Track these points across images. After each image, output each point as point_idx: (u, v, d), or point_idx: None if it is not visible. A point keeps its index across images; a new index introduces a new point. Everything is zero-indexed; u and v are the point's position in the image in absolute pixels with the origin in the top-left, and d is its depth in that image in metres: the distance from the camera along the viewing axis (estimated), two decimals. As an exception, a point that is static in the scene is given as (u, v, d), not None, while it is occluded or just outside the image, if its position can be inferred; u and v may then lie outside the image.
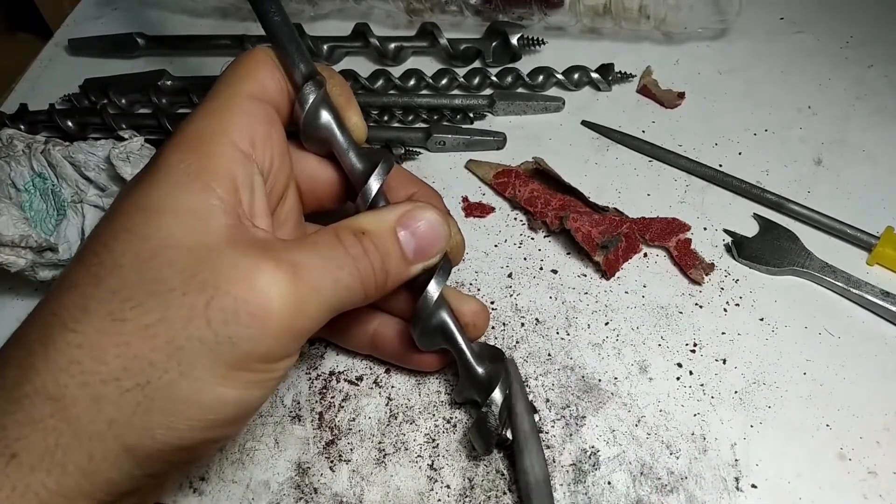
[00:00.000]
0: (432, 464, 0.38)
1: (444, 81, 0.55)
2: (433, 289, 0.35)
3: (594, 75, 0.55)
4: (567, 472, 0.37)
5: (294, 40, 0.33)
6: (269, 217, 0.31)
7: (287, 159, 0.33)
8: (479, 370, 0.37)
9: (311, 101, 0.33)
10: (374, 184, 0.33)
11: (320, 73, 0.33)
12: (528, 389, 0.40)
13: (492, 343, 0.42)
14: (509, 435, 0.36)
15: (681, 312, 0.43)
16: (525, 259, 0.46)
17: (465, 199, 0.49)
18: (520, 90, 0.56)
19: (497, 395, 0.35)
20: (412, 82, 0.55)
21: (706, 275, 0.44)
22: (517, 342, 0.42)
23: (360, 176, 0.34)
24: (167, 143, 0.29)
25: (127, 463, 0.26)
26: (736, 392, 0.39)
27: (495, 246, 0.47)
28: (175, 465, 0.28)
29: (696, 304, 0.43)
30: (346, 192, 0.36)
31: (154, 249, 0.26)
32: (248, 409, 0.29)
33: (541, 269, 0.45)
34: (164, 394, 0.25)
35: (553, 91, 0.56)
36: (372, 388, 0.41)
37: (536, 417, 0.37)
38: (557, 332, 0.42)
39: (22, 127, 0.53)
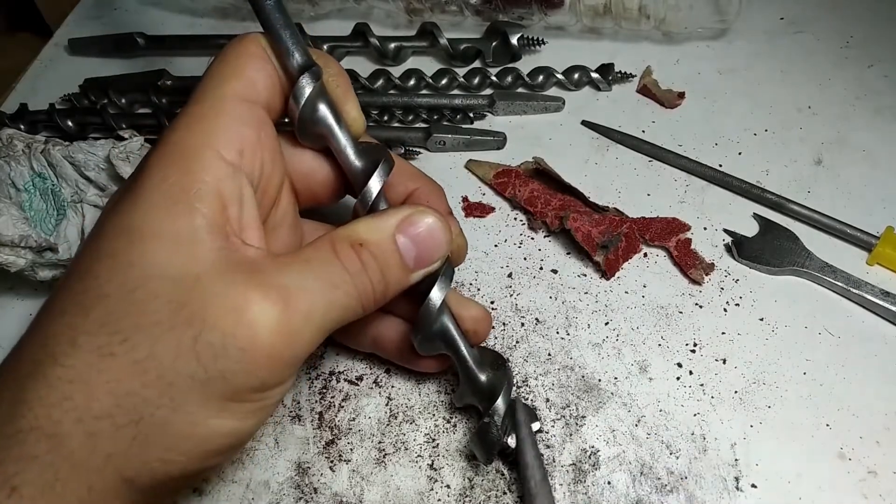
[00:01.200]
0: (432, 464, 0.38)
1: (444, 81, 0.55)
2: (436, 296, 0.33)
3: (594, 75, 0.55)
4: (567, 471, 0.37)
5: (289, 26, 0.30)
6: (260, 229, 0.29)
7: (279, 160, 0.31)
8: (481, 377, 0.36)
9: (307, 95, 0.30)
10: (374, 186, 0.32)
11: (316, 63, 0.31)
12: (528, 389, 0.40)
13: (492, 343, 0.42)
14: (511, 443, 0.35)
15: (681, 312, 0.43)
16: (525, 259, 0.46)
17: (465, 199, 0.49)
18: (520, 90, 0.56)
19: (500, 405, 0.35)
20: (412, 82, 0.55)
21: (706, 275, 0.44)
22: (517, 342, 0.42)
23: (359, 176, 0.32)
24: (150, 156, 0.28)
25: (127, 492, 0.26)
26: (736, 392, 0.39)
27: (495, 246, 0.47)
28: (175, 489, 0.28)
29: (696, 304, 0.43)
30: (343, 187, 0.35)
31: (139, 279, 0.25)
32: (245, 436, 0.28)
33: (541, 269, 0.45)
34: (158, 429, 0.25)
35: (553, 91, 0.56)
36: (372, 388, 0.40)
37: (536, 426, 0.37)
38: (557, 332, 0.42)
39: (22, 127, 0.53)
